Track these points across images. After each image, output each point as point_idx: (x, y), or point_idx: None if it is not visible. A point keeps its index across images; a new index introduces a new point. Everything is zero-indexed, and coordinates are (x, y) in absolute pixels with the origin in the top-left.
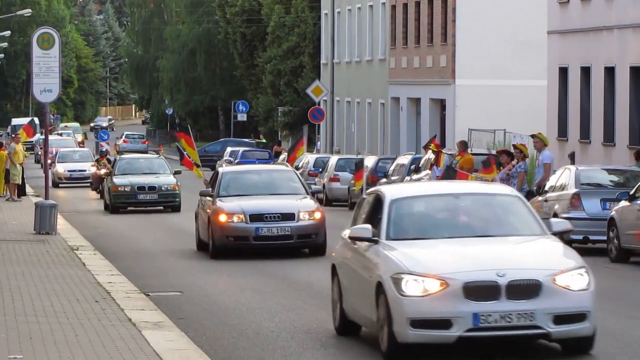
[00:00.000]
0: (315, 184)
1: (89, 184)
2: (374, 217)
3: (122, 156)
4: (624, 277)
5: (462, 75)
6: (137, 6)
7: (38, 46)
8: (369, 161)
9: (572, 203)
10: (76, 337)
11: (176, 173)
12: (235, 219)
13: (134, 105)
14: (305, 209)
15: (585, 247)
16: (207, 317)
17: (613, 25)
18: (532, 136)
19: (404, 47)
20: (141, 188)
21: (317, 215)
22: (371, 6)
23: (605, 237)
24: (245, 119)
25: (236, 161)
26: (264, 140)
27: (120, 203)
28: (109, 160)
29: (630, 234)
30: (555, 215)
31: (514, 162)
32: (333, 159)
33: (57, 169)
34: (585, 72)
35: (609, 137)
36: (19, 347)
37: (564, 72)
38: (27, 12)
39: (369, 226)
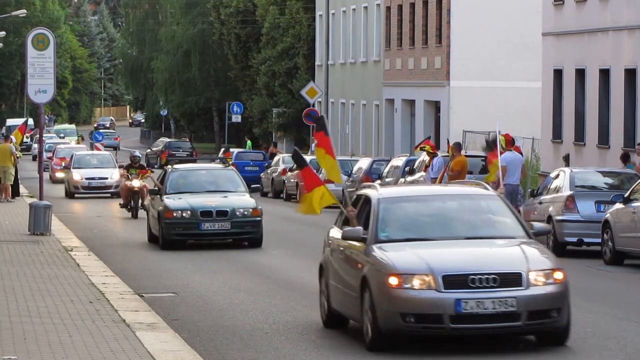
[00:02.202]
0: None
1: (109, 194)
2: None
3: (175, 166)
4: (618, 279)
5: (456, 77)
6: (132, 7)
7: (33, 47)
8: (363, 163)
9: (567, 205)
10: (70, 338)
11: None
12: (416, 283)
13: (128, 106)
14: (537, 265)
15: (579, 250)
16: (201, 318)
17: (608, 27)
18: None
19: (398, 48)
20: (207, 213)
21: (558, 276)
22: (366, 7)
23: (599, 240)
24: (239, 120)
25: (230, 162)
26: (249, 143)
27: (177, 235)
28: (142, 167)
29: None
30: (550, 217)
31: None
32: None
33: (72, 176)
34: (580, 74)
35: (604, 140)
36: (13, 348)
37: (558, 74)
38: (22, 12)
39: None
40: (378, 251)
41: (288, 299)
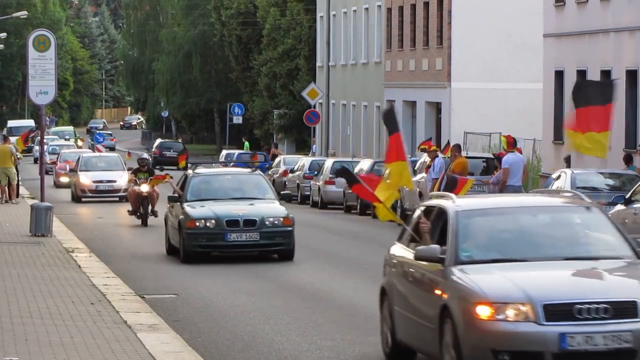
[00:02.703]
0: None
1: (118, 198)
2: None
3: (197, 171)
4: None
5: (457, 78)
6: (133, 8)
7: (34, 48)
8: (364, 164)
9: None
10: (72, 339)
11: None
12: (511, 313)
13: (129, 108)
14: None
15: None
16: (202, 320)
17: (609, 29)
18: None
19: (399, 50)
20: (233, 223)
21: None
22: (367, 9)
23: None
24: (240, 121)
25: (231, 164)
26: (247, 144)
27: (200, 247)
28: (150, 172)
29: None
30: None
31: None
32: (328, 162)
33: (79, 179)
34: (581, 75)
35: None
36: (14, 349)
37: (559, 75)
38: (23, 14)
39: None
40: (460, 274)
41: (289, 300)
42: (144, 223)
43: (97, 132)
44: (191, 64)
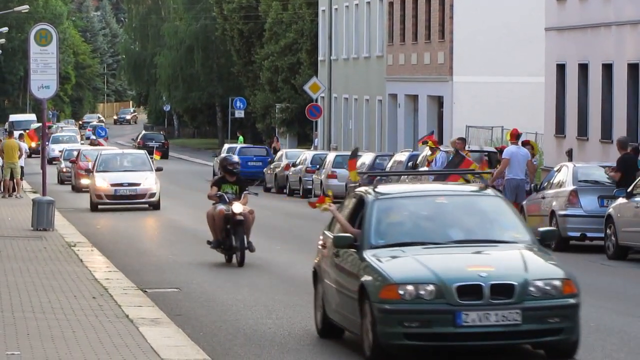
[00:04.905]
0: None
1: (147, 205)
2: None
3: (380, 190)
4: (622, 274)
5: (459, 72)
6: (135, 3)
7: (35, 42)
8: (367, 158)
9: (570, 200)
10: (73, 334)
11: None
12: None
13: (131, 102)
14: None
15: (582, 244)
16: (204, 314)
17: (611, 22)
18: None
19: (401, 43)
20: (470, 290)
21: None
22: (368, 3)
23: (602, 234)
24: (242, 115)
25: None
26: (241, 138)
27: (409, 337)
28: (242, 183)
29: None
30: (553, 212)
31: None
32: (330, 156)
33: (95, 181)
34: (583, 68)
35: (607, 134)
36: (16, 344)
37: (561, 68)
38: (24, 8)
39: None
40: None
41: (291, 294)
42: (241, 262)
43: (99, 125)
44: (193, 58)
